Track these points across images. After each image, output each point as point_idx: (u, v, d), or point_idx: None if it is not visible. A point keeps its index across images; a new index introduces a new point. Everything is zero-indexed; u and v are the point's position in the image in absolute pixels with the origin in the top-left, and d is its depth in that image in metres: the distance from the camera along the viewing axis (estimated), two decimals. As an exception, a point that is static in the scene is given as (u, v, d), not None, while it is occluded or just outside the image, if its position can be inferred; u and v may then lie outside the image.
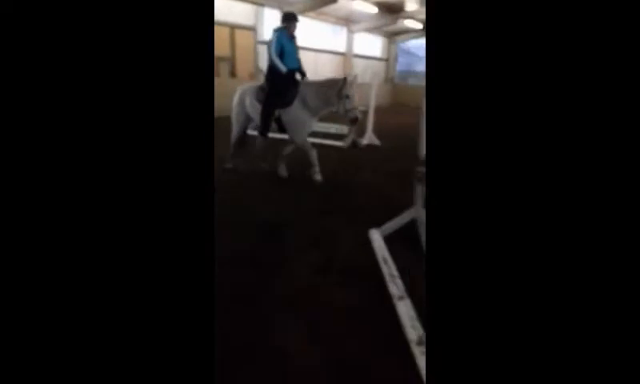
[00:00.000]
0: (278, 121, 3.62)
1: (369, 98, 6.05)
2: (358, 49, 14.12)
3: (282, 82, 3.48)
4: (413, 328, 1.57)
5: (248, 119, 3.86)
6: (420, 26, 13.00)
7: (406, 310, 1.69)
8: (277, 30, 3.55)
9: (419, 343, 1.49)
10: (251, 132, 4.05)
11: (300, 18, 3.80)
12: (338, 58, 13.50)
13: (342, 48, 13.54)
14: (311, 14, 11.12)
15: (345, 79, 3.40)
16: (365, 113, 5.02)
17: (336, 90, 3.37)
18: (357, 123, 3.68)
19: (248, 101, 3.77)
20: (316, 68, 11.59)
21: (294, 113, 3.52)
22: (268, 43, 3.53)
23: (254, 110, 3.71)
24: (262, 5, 10.03)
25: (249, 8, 9.80)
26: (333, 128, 6.33)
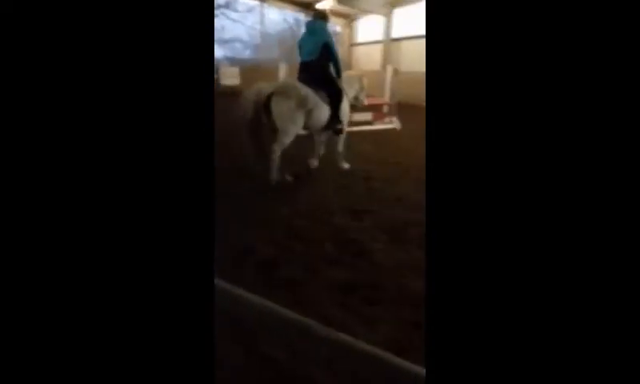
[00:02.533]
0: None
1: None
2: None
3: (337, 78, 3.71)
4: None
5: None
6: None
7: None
8: (324, 27, 3.58)
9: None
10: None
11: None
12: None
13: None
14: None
15: (362, 76, 4.07)
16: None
17: (360, 83, 3.98)
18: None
19: (312, 100, 3.37)
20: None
21: (346, 104, 3.80)
22: (326, 42, 3.48)
23: (320, 107, 3.50)
24: None
25: None
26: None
